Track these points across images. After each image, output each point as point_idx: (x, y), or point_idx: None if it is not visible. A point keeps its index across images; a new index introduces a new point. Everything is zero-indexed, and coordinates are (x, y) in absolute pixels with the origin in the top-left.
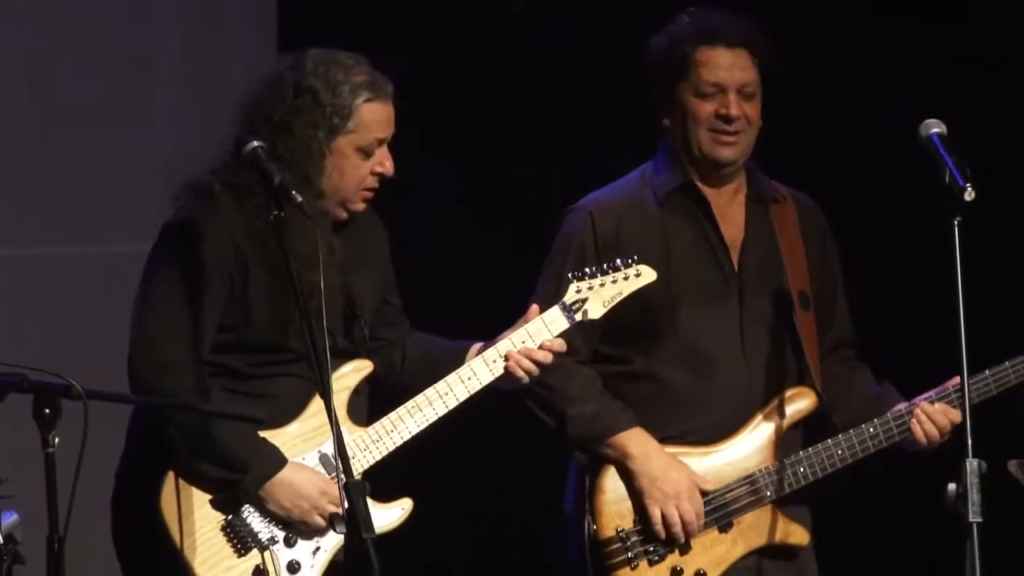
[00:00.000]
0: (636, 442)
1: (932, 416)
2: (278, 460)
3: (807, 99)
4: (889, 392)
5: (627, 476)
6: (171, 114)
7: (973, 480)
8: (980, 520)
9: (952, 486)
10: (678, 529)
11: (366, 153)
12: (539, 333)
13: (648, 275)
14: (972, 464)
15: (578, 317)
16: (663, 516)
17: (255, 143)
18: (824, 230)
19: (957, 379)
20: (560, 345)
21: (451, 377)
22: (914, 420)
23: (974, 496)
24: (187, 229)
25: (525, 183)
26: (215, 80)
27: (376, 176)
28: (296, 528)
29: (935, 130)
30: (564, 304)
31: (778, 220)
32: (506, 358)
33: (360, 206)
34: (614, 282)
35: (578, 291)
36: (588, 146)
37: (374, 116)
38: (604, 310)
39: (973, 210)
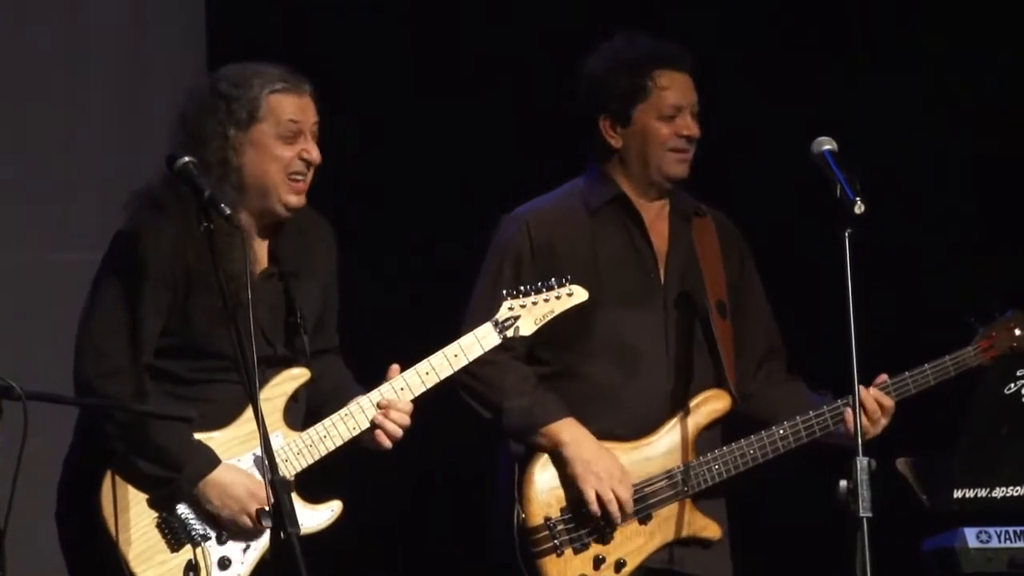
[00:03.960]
0: (568, 431)
1: (865, 400)
2: (212, 461)
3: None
4: (828, 398)
5: (560, 463)
6: (103, 124)
7: (863, 477)
8: (870, 515)
9: (843, 483)
10: (615, 507)
11: (286, 140)
12: (471, 348)
13: (580, 295)
14: (862, 462)
15: (509, 334)
16: (598, 496)
17: (186, 158)
18: (742, 245)
19: (883, 376)
20: (406, 406)
21: (384, 387)
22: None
23: (864, 492)
24: (134, 238)
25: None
26: (148, 84)
27: (303, 162)
28: (225, 528)
29: (827, 147)
30: (496, 321)
31: (698, 234)
32: (380, 405)
33: (292, 198)
34: (546, 301)
35: (511, 308)
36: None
37: (282, 104)
38: (535, 327)
39: (863, 222)
